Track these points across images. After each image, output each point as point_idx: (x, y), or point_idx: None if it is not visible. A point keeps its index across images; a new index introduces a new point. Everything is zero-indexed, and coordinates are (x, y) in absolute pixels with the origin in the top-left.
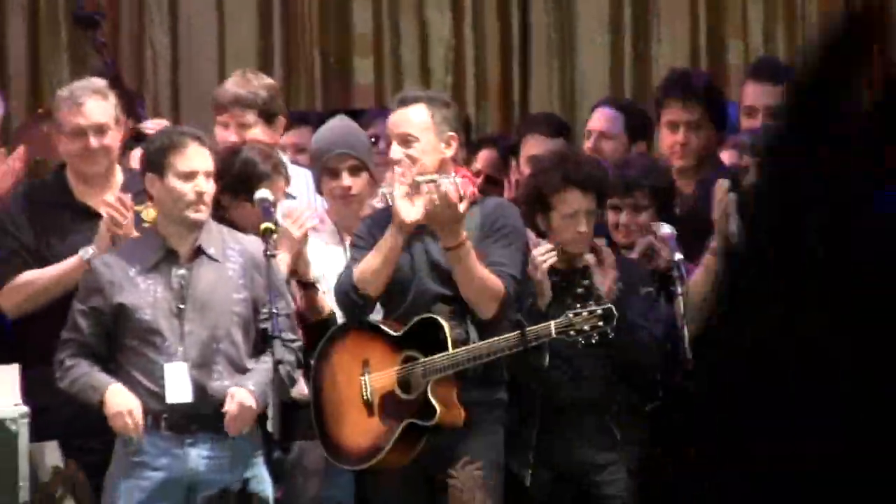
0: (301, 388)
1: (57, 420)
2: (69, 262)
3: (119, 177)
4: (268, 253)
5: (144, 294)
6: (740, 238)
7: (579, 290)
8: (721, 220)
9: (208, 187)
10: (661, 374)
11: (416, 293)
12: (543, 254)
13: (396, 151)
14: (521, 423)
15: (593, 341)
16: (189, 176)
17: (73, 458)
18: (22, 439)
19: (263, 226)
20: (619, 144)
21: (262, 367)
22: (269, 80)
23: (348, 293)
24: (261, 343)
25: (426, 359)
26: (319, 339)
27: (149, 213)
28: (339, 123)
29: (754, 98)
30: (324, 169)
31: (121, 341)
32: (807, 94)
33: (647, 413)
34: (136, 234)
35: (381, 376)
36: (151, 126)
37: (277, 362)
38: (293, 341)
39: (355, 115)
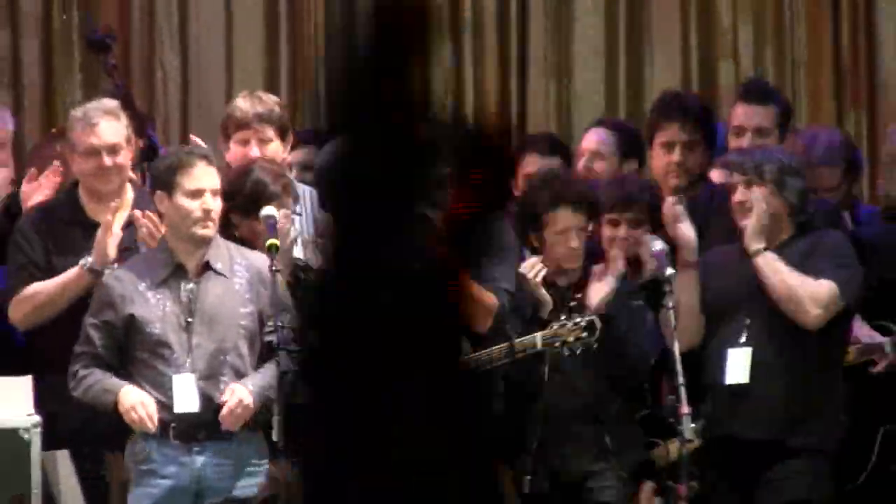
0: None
1: (68, 429)
2: (70, 273)
3: (130, 195)
4: (273, 268)
5: (154, 308)
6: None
7: (573, 304)
8: (671, 226)
9: (215, 205)
10: (650, 383)
11: None
12: (531, 267)
13: None
14: (519, 433)
15: (577, 352)
16: (196, 194)
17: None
18: (34, 448)
19: (269, 242)
20: (611, 164)
21: (263, 371)
22: (276, 98)
23: None
24: (266, 355)
25: None
26: None
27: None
28: None
29: (744, 118)
30: None
31: (131, 353)
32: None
33: (637, 421)
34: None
35: None
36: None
37: (283, 373)
38: (298, 353)
39: None
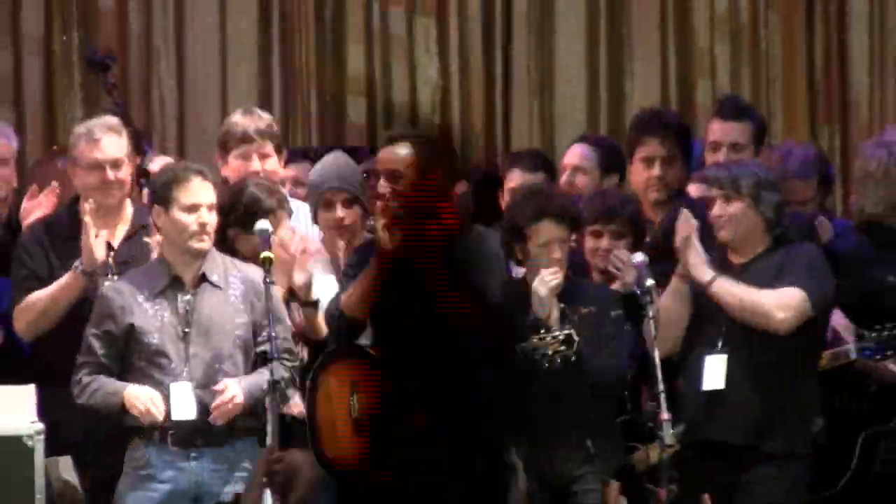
0: (300, 406)
1: (71, 436)
2: (65, 278)
3: (129, 209)
4: (267, 280)
5: (152, 319)
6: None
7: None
8: (683, 246)
9: (210, 219)
10: (631, 390)
11: None
12: (551, 274)
13: (384, 186)
14: (508, 439)
15: (557, 362)
16: (192, 208)
17: (86, 472)
18: (38, 454)
19: (263, 255)
20: (592, 178)
21: (256, 374)
22: (270, 115)
23: (336, 318)
24: (260, 363)
25: None
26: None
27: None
28: (334, 159)
29: (720, 134)
30: (320, 201)
31: (130, 362)
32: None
33: (618, 427)
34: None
35: (366, 397)
36: (157, 164)
37: (275, 382)
38: (290, 361)
39: (350, 152)
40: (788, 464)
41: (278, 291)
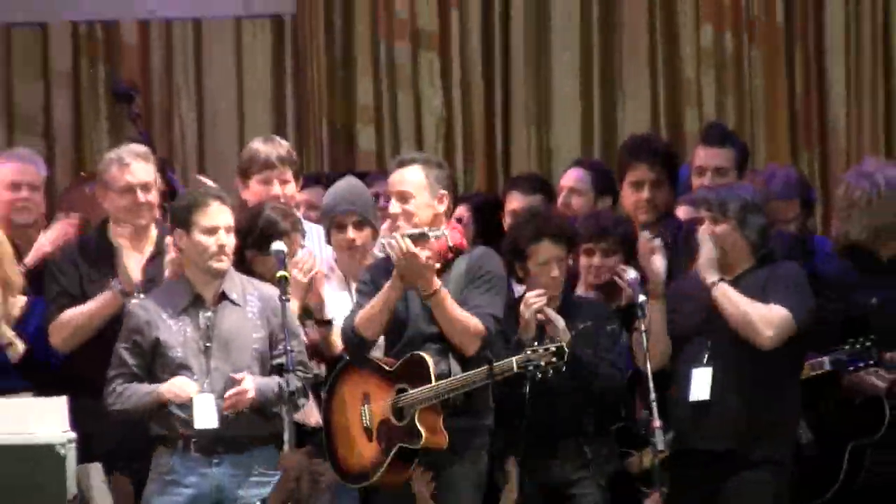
0: (315, 416)
1: (102, 445)
2: (102, 297)
3: (154, 231)
4: (282, 298)
5: (176, 334)
6: None
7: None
8: (644, 260)
9: (229, 240)
10: (625, 399)
11: (411, 333)
12: (536, 297)
13: (395, 207)
14: (507, 445)
15: (549, 374)
16: (212, 231)
17: (116, 478)
18: (70, 462)
19: (278, 274)
20: (587, 200)
21: (269, 379)
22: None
23: (350, 335)
24: (277, 375)
25: (413, 391)
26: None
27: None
28: (345, 184)
29: (705, 160)
30: (332, 223)
31: (155, 374)
32: None
33: (612, 434)
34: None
35: (378, 406)
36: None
37: (291, 393)
38: (304, 373)
39: (360, 176)
40: (771, 470)
41: (293, 308)
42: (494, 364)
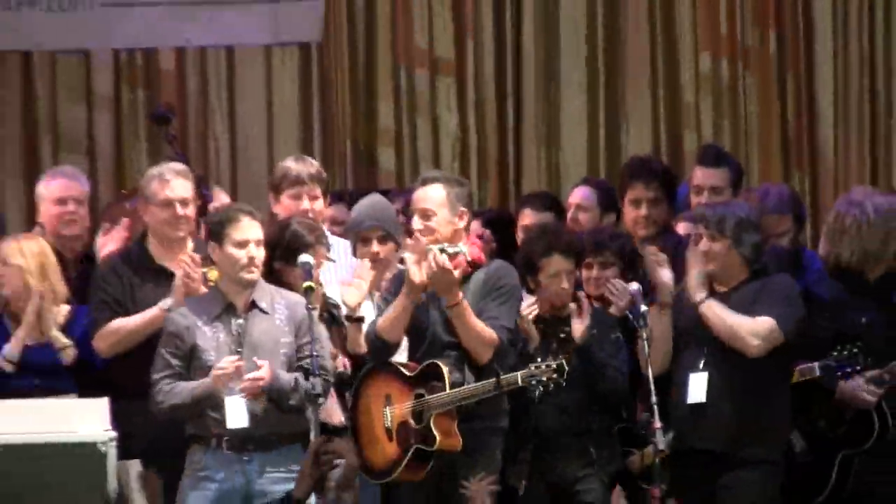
0: (338, 415)
1: (140, 444)
2: (151, 312)
3: (189, 245)
4: (308, 306)
5: (210, 339)
6: None
7: (562, 335)
8: (652, 272)
9: (258, 253)
10: (627, 402)
11: (431, 340)
12: (528, 307)
13: (417, 223)
14: (517, 444)
15: (550, 388)
16: (242, 244)
17: (154, 473)
18: (110, 459)
19: (305, 284)
20: (593, 216)
21: (288, 374)
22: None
23: (373, 339)
24: (302, 379)
25: (429, 396)
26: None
27: (212, 273)
28: (371, 201)
29: (701, 179)
30: (358, 237)
31: (190, 378)
32: None
33: (615, 434)
34: (203, 289)
35: (398, 409)
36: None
37: (316, 395)
38: (325, 376)
39: (383, 193)
40: (762, 469)
41: (355, 295)
42: (501, 377)
